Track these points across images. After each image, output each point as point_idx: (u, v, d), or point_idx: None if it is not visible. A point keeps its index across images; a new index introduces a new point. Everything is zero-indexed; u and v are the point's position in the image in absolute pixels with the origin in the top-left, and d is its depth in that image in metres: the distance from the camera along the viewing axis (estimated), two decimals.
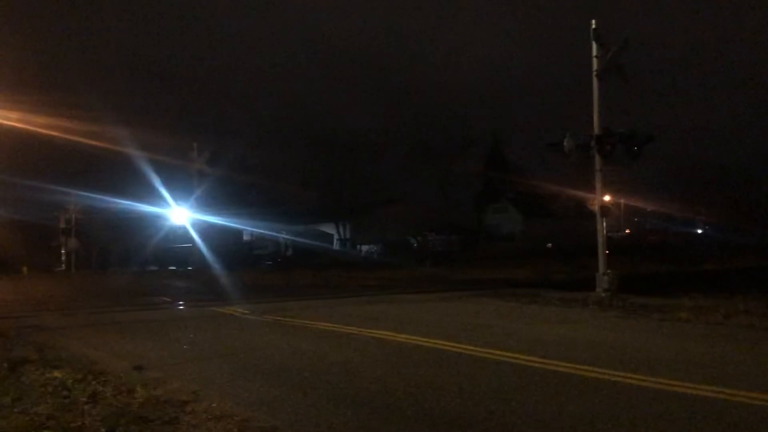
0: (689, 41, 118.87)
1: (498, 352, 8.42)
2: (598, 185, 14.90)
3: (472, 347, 8.84)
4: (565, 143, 14.96)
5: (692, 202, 68.27)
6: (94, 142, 32.63)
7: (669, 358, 8.06)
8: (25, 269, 39.71)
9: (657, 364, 7.58)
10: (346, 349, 9.07)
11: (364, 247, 52.77)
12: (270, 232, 54.42)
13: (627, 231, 69.51)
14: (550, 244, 56.60)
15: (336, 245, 56.77)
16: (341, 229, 59.42)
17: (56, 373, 7.42)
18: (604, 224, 15.20)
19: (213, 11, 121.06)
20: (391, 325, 11.12)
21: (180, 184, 38.93)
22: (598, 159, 14.81)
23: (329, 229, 59.22)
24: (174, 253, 45.93)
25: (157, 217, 43.39)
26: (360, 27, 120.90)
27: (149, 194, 40.55)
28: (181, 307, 16.62)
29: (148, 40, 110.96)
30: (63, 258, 46.59)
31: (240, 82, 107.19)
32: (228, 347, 9.53)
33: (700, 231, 71.49)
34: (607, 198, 15.38)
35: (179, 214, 39.42)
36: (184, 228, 40.26)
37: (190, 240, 39.51)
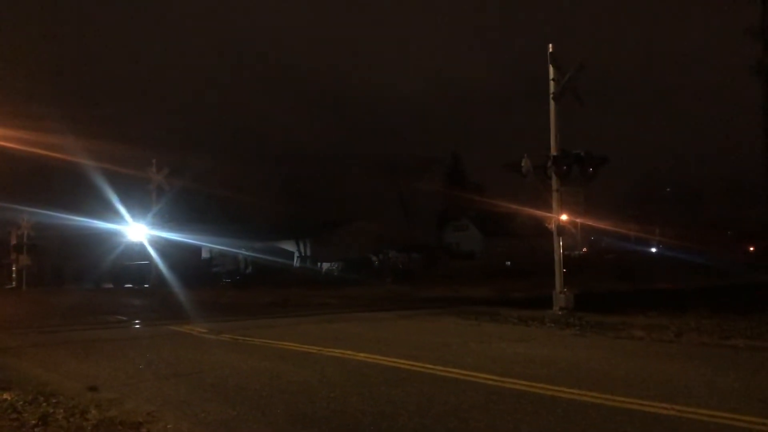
0: (647, 62, 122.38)
1: (456, 371, 8.49)
2: (554, 205, 15.21)
3: (431, 366, 8.89)
4: (522, 164, 15.26)
5: (647, 221, 69.96)
6: (49, 153, 31.90)
7: (623, 376, 8.24)
8: None
9: (611, 382, 7.74)
10: (305, 369, 9.02)
11: (325, 265, 52.57)
12: (230, 249, 53.80)
13: (584, 250, 70.74)
14: (509, 263, 57.23)
15: (296, 263, 56.43)
16: (302, 247, 59.13)
17: (5, 395, 7.21)
18: (561, 243, 15.48)
19: (163, 23, 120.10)
20: (351, 344, 11.11)
21: (138, 200, 38.30)
22: (554, 179, 15.13)
23: (290, 246, 58.87)
24: (130, 271, 45.05)
25: (113, 234, 42.54)
26: (314, 44, 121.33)
27: (106, 210, 39.81)
28: (137, 326, 16.30)
29: (107, 51, 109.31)
30: (14, 275, 45.23)
31: (199, 97, 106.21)
32: (185, 367, 9.39)
33: (654, 250, 73.19)
34: (564, 217, 15.67)
35: (136, 231, 38.69)
36: (141, 245, 39.51)
37: (148, 257, 38.81)
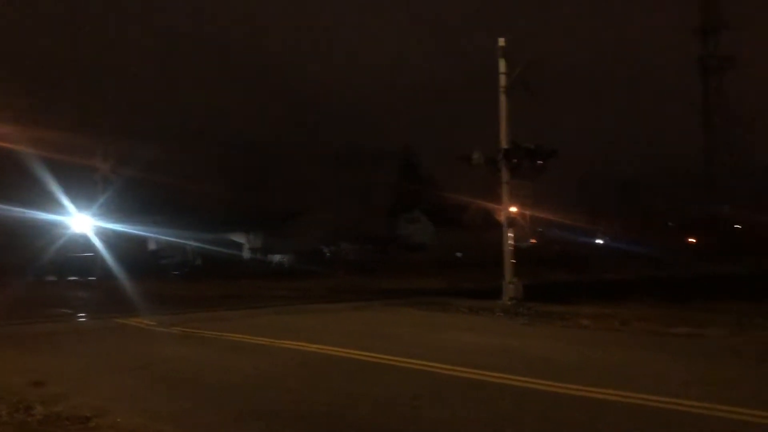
0: (599, 56, 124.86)
1: (410, 360, 8.57)
2: (504, 197, 15.46)
3: (385, 356, 8.94)
4: (474, 156, 15.44)
5: (594, 213, 71.63)
6: None
7: (570, 363, 8.48)
8: None
9: (560, 369, 7.95)
10: (257, 361, 8.97)
11: (276, 257, 52.16)
12: (178, 241, 52.82)
13: (533, 241, 72.00)
14: (459, 254, 57.86)
15: (247, 255, 55.82)
16: (252, 238, 58.49)
17: None
18: (510, 235, 15.75)
19: (108, 5, 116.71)
20: (304, 336, 11.08)
21: (82, 190, 37.21)
22: (504, 172, 15.37)
23: (240, 238, 58.17)
24: (75, 263, 43.73)
25: (56, 225, 41.22)
26: (266, 34, 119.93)
27: (48, 201, 38.50)
28: (83, 319, 15.88)
29: (47, 33, 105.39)
30: None
31: (148, 87, 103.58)
32: (134, 360, 9.20)
33: (600, 241, 75.05)
34: (514, 209, 15.91)
35: (81, 222, 37.63)
36: (86, 236, 38.46)
37: (93, 249, 37.80)
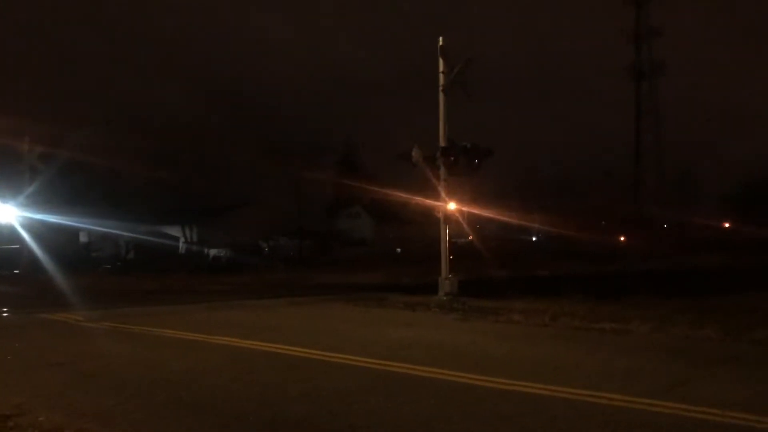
0: (536, 58, 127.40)
1: (343, 356, 8.61)
2: (442, 194, 15.64)
3: (318, 351, 8.96)
4: (413, 153, 15.56)
5: (528, 211, 73.22)
6: None
7: (500, 358, 8.70)
8: None
9: (490, 364, 8.14)
10: (189, 357, 8.84)
11: (213, 251, 51.23)
12: (111, 232, 51.22)
13: (470, 237, 73.08)
14: (399, 249, 58.24)
15: (182, 248, 54.64)
16: (188, 232, 57.26)
17: None
18: (448, 231, 15.96)
19: None
20: (237, 331, 10.97)
21: (7, 179, 35.70)
22: (443, 170, 15.54)
23: (175, 231, 56.84)
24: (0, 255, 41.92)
25: None
26: (208, 29, 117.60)
27: None
28: (5, 314, 15.26)
29: None
30: None
31: (84, 75, 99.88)
32: (59, 356, 8.90)
33: (534, 239, 76.84)
34: (452, 206, 16.12)
35: (6, 212, 36.08)
36: (12, 227, 36.91)
37: (19, 240, 36.34)
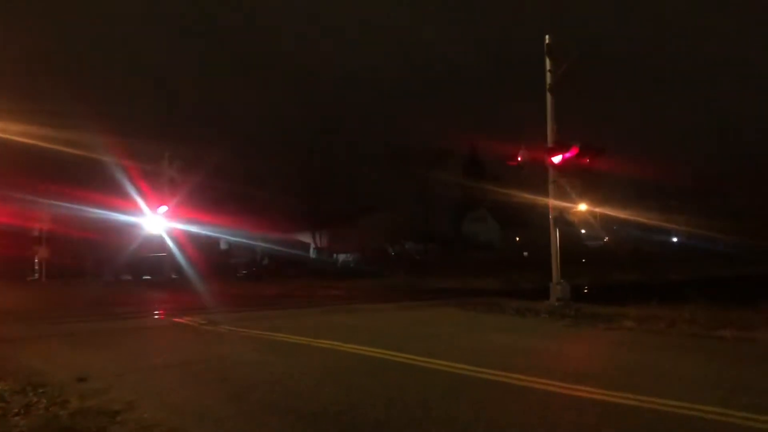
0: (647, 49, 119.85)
1: (437, 361, 8.62)
2: (551, 196, 15.25)
3: (414, 356, 9.04)
4: (519, 155, 15.32)
5: (668, 210, 69.10)
6: (70, 150, 32.43)
7: (598, 366, 8.36)
8: None
9: (585, 373, 7.84)
10: (289, 359, 9.24)
11: (341, 256, 52.85)
12: (248, 241, 54.29)
13: (605, 239, 70.16)
14: (526, 253, 57.02)
15: (313, 254, 56.77)
16: (318, 239, 59.43)
17: None
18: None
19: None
20: (342, 335, 11.31)
21: (157, 193, 38.82)
22: (551, 170, 15.16)
23: (306, 238, 59.22)
24: (149, 263, 45.71)
25: (132, 226, 43.17)
26: (310, 35, 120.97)
27: (125, 203, 40.39)
28: (143, 318, 16.67)
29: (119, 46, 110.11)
30: (36, 267, 46.23)
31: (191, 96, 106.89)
32: (176, 357, 9.65)
33: (675, 239, 72.42)
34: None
35: (155, 223, 39.28)
36: (161, 237, 40.12)
37: (166, 249, 39.43)
